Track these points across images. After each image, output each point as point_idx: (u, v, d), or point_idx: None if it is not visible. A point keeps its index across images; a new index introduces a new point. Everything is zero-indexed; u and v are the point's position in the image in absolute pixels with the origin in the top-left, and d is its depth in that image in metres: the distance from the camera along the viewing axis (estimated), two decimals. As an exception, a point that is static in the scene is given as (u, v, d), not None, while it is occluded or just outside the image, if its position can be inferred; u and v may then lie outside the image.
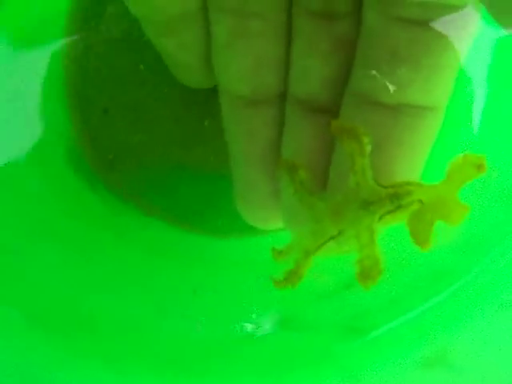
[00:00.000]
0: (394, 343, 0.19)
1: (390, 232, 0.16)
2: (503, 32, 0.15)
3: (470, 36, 0.15)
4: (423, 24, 0.15)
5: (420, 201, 0.16)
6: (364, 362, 0.19)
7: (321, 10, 0.16)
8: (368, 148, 0.15)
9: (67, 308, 0.20)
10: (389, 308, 0.19)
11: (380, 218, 0.16)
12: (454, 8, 0.15)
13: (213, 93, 0.19)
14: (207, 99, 0.21)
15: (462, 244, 0.19)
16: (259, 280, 0.19)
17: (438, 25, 0.15)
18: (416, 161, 0.17)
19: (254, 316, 0.20)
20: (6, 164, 0.21)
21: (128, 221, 0.22)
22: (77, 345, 0.19)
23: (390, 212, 0.16)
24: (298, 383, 0.19)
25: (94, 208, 0.21)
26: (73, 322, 0.20)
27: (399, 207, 0.16)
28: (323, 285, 0.19)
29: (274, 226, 0.19)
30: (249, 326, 0.20)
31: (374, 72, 0.16)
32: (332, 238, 0.16)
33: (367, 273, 0.16)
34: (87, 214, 0.21)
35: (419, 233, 0.15)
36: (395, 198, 0.16)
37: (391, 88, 0.16)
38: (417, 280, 0.19)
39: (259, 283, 0.20)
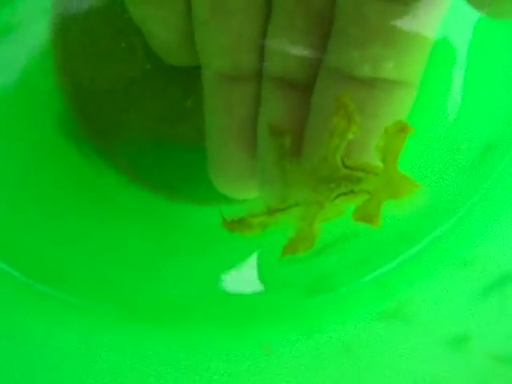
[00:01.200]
0: (356, 300, 0.20)
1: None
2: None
3: (441, 12, 0.16)
4: (395, 0, 0.16)
5: (367, 191, 0.16)
6: (327, 316, 0.20)
7: None
8: (354, 128, 0.16)
9: (52, 267, 0.21)
10: (353, 269, 0.20)
11: (335, 198, 0.16)
12: None
13: (196, 71, 0.20)
14: (191, 77, 0.22)
15: (425, 208, 0.20)
16: (233, 243, 0.20)
17: (410, 1, 0.16)
18: None
19: (227, 276, 0.21)
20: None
21: (113, 185, 0.23)
22: (57, 303, 0.20)
23: (344, 194, 0.16)
24: (267, 336, 0.20)
25: (84, 173, 0.22)
26: (56, 280, 0.21)
27: (352, 192, 0.16)
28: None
29: (246, 197, 0.20)
30: (223, 285, 0.21)
31: (347, 47, 0.17)
32: (296, 204, 0.17)
33: (295, 245, 0.16)
34: (76, 179, 0.22)
35: (369, 210, 0.16)
36: (349, 181, 0.16)
37: (364, 63, 0.17)
38: (382, 242, 0.20)
39: (233, 246, 0.21)
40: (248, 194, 0.20)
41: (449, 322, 0.19)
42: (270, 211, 0.17)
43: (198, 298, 0.21)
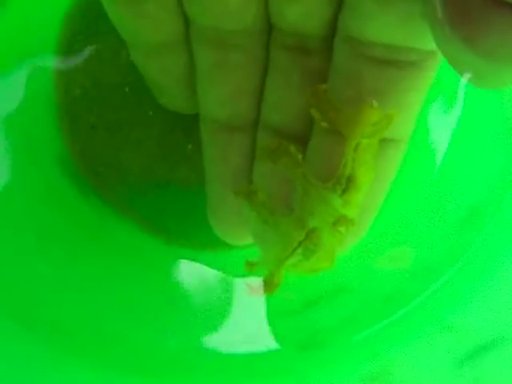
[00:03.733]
0: (345, 359, 0.20)
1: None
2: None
3: (431, 77, 0.16)
4: (388, 63, 0.16)
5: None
6: (318, 374, 0.20)
7: (295, 45, 0.17)
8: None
9: (44, 308, 0.21)
10: (343, 327, 0.20)
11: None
12: (417, 51, 0.16)
13: (196, 118, 0.20)
14: (192, 121, 0.22)
15: (413, 270, 0.20)
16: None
17: (403, 65, 0.16)
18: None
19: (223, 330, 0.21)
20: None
21: (113, 228, 0.23)
22: (47, 343, 0.20)
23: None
24: None
25: (84, 215, 0.23)
26: (47, 322, 0.20)
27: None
28: (285, 302, 0.19)
29: (244, 242, 0.20)
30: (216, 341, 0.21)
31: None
32: (300, 243, 0.17)
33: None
34: (76, 219, 0.22)
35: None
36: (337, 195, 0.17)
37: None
38: (370, 302, 0.20)
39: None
40: (244, 240, 0.20)
41: None
42: (279, 262, 0.17)
43: (189, 354, 0.21)
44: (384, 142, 0.17)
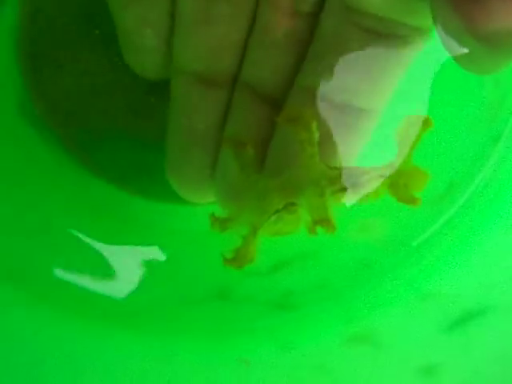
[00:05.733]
0: (321, 321, 0.21)
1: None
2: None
3: (416, 53, 0.17)
4: (377, 34, 0.17)
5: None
6: (297, 334, 0.20)
7: (284, 5, 0.17)
8: (316, 136, 0.17)
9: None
10: (316, 290, 0.21)
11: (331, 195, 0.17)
12: (408, 26, 0.16)
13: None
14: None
15: (384, 241, 0.21)
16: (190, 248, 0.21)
17: (390, 38, 0.16)
18: (349, 157, 0.18)
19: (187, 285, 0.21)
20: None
21: (72, 175, 0.22)
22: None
23: (339, 191, 0.17)
24: (232, 349, 0.20)
25: (41, 158, 0.22)
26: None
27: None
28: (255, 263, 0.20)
29: (203, 201, 0.20)
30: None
31: (322, 71, 0.17)
32: (277, 211, 0.17)
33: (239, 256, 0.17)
34: (32, 161, 0.22)
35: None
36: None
37: (337, 88, 0.17)
38: (341, 269, 0.21)
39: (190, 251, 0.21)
40: (203, 199, 0.20)
41: (417, 351, 0.20)
42: (254, 229, 0.17)
43: (167, 306, 0.21)
44: (358, 112, 0.18)
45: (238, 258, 0.17)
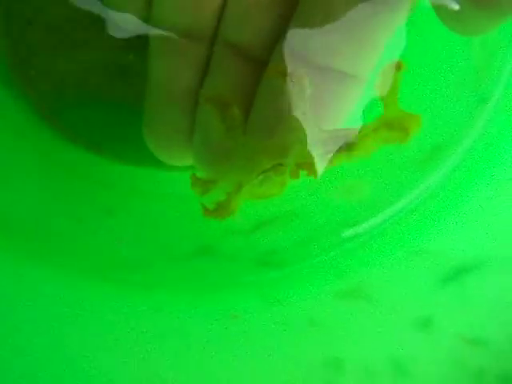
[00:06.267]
0: (309, 278, 0.20)
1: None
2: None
3: (403, 16, 0.17)
4: None
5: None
6: (284, 290, 0.20)
7: None
8: (309, 91, 0.16)
9: None
10: (301, 248, 0.21)
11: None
12: None
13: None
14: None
15: (368, 203, 0.21)
16: (173, 211, 0.20)
17: (377, 1, 0.16)
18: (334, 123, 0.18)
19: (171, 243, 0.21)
20: None
21: (45, 138, 0.21)
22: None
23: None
24: (219, 303, 0.20)
25: (10, 118, 0.21)
26: None
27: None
28: (237, 221, 0.19)
29: (182, 163, 0.20)
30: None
31: (307, 31, 0.17)
32: (264, 171, 0.16)
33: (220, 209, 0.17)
34: (7, 129, 0.21)
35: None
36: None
37: (322, 50, 0.17)
38: (329, 226, 0.21)
39: (174, 214, 0.20)
40: (181, 162, 0.20)
41: (412, 304, 0.20)
42: (239, 186, 0.17)
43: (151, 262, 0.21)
44: (345, 77, 0.17)
45: (219, 210, 0.17)
